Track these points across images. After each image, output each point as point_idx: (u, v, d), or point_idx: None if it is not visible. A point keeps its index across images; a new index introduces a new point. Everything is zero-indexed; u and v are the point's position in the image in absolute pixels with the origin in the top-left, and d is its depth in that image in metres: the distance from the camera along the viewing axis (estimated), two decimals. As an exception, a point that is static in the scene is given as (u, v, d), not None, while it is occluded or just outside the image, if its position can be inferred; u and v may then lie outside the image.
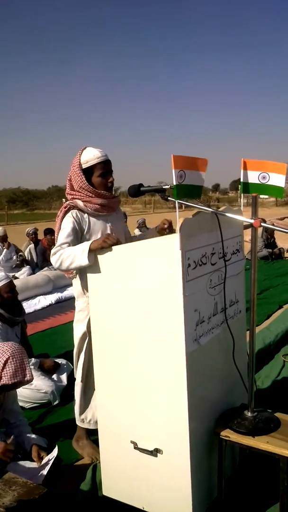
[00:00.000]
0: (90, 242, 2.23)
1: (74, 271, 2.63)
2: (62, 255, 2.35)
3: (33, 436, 2.70)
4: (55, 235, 2.60)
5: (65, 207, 2.59)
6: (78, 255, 2.25)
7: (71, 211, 2.56)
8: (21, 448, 2.64)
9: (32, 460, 2.56)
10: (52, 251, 2.44)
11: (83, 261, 2.20)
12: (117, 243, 2.15)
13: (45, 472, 2.42)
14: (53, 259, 2.40)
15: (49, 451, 2.58)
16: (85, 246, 2.23)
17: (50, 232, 8.84)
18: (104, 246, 2.14)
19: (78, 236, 2.53)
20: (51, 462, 2.48)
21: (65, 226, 2.52)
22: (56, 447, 2.62)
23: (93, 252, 2.17)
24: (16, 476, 1.97)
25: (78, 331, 2.70)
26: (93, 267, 2.18)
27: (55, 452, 2.52)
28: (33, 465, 2.51)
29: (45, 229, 9.16)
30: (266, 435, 2.05)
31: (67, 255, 2.32)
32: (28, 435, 2.70)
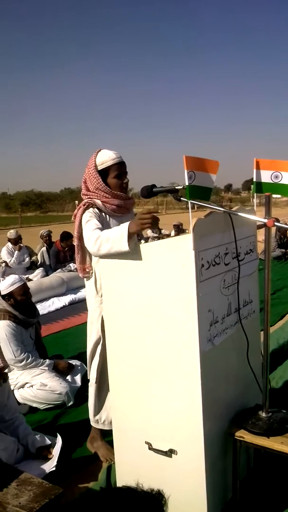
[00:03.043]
0: (127, 225, 2.11)
1: (91, 270, 2.64)
2: (100, 238, 2.22)
3: (35, 436, 2.74)
4: (75, 232, 2.60)
5: (84, 204, 2.58)
6: (117, 239, 2.12)
7: (90, 208, 2.56)
8: (29, 452, 2.70)
9: (41, 458, 2.63)
10: (87, 236, 2.37)
11: (123, 246, 2.07)
12: (155, 219, 2.09)
13: (54, 463, 2.51)
14: (90, 243, 2.30)
15: (52, 443, 2.69)
16: (123, 230, 2.10)
17: (66, 237, 8.68)
18: (144, 227, 2.08)
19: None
20: (58, 452, 2.59)
21: (91, 218, 2.50)
22: (59, 436, 2.69)
23: (133, 237, 2.08)
24: (32, 476, 1.98)
25: (91, 331, 2.71)
26: (106, 267, 2.19)
27: (59, 443, 2.60)
28: (44, 462, 2.59)
29: (62, 234, 8.82)
30: (281, 436, 2.04)
31: (106, 238, 2.19)
32: (29, 435, 2.73)
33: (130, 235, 2.07)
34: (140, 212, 2.19)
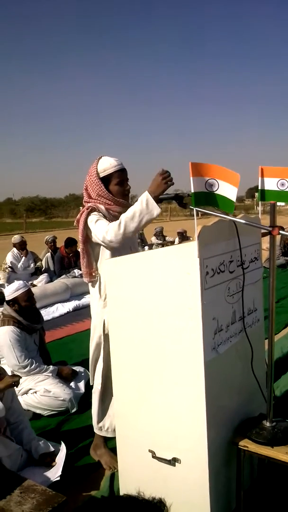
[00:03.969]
0: (146, 193, 2.26)
1: (97, 275, 2.65)
2: (122, 222, 2.31)
3: (39, 442, 2.74)
4: (79, 237, 2.61)
5: (87, 208, 2.58)
6: (144, 210, 2.26)
7: (94, 212, 2.57)
8: (32, 458, 2.69)
9: (44, 465, 2.62)
10: (103, 230, 2.40)
11: (155, 211, 2.24)
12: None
13: (59, 472, 2.50)
14: (111, 234, 2.35)
15: (56, 450, 2.68)
16: (146, 198, 2.26)
17: (71, 243, 8.70)
18: (169, 184, 2.20)
19: None
20: (63, 460, 2.57)
21: (99, 217, 2.51)
22: (63, 444, 2.69)
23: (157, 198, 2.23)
24: (35, 483, 1.98)
25: (93, 336, 2.71)
26: (111, 273, 2.19)
27: (63, 451, 2.59)
28: (47, 470, 2.59)
29: (66, 240, 8.86)
30: (285, 446, 2.02)
31: (130, 217, 2.29)
32: (33, 441, 2.73)
33: (156, 198, 2.21)
34: (157, 173, 2.29)
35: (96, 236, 2.46)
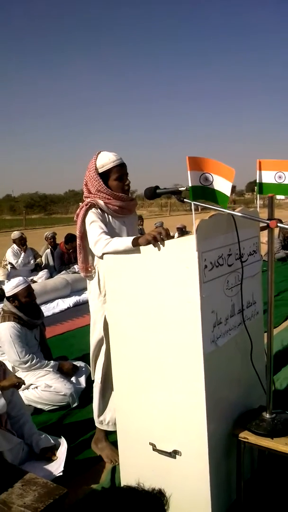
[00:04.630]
0: (137, 238, 2.19)
1: (93, 270, 2.66)
2: (111, 244, 2.31)
3: (40, 436, 2.76)
4: (77, 232, 2.62)
5: (86, 204, 2.59)
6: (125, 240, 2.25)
7: (93, 208, 2.57)
8: (33, 452, 2.71)
9: (45, 459, 2.64)
10: (93, 239, 2.42)
11: (128, 242, 2.19)
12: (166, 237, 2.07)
13: (61, 467, 2.51)
14: (98, 248, 2.36)
15: (57, 445, 2.70)
16: (134, 240, 2.18)
17: (71, 239, 8.69)
18: (155, 239, 2.03)
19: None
20: (64, 455, 2.60)
21: (95, 219, 2.52)
22: (63, 439, 2.71)
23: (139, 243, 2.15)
24: (36, 476, 1.99)
25: (94, 331, 2.72)
26: (110, 268, 2.20)
27: (64, 445, 2.60)
28: (48, 463, 2.60)
29: (66, 236, 8.91)
30: (285, 437, 2.04)
31: (117, 246, 2.28)
32: (34, 435, 2.75)
33: (135, 243, 2.15)
34: (157, 230, 2.14)
35: (88, 241, 2.50)
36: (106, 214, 2.60)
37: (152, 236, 2.02)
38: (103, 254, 2.31)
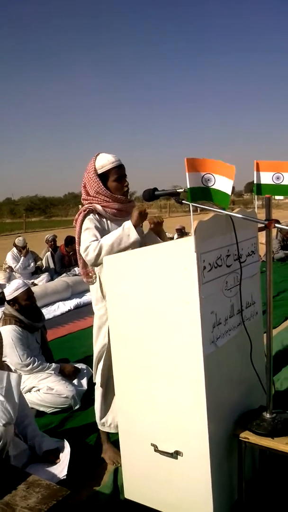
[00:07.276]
0: (129, 222, 2.45)
1: (94, 275, 2.66)
2: (100, 244, 2.44)
3: (43, 438, 2.76)
4: (76, 238, 2.63)
5: (84, 210, 2.61)
6: (124, 236, 2.41)
7: (91, 214, 2.60)
8: (35, 454, 2.72)
9: (48, 462, 2.64)
10: (83, 247, 2.50)
11: (132, 236, 2.41)
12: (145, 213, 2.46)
13: (65, 471, 2.52)
14: (89, 252, 2.47)
15: (59, 447, 2.71)
16: (127, 224, 2.44)
17: (71, 242, 8.73)
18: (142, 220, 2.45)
19: (100, 237, 2.56)
20: (67, 459, 2.60)
21: (89, 226, 2.55)
22: (66, 442, 2.71)
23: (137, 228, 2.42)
24: (40, 478, 2.00)
25: (98, 335, 2.71)
26: (109, 270, 2.21)
27: (67, 448, 2.61)
28: (51, 466, 2.61)
29: (66, 239, 8.98)
30: (286, 437, 2.05)
31: (107, 242, 2.43)
32: (37, 437, 2.75)
33: (135, 227, 2.41)
34: (136, 209, 2.51)
35: (80, 248, 2.56)
36: (104, 219, 2.61)
37: (137, 211, 2.41)
38: (96, 258, 2.44)
